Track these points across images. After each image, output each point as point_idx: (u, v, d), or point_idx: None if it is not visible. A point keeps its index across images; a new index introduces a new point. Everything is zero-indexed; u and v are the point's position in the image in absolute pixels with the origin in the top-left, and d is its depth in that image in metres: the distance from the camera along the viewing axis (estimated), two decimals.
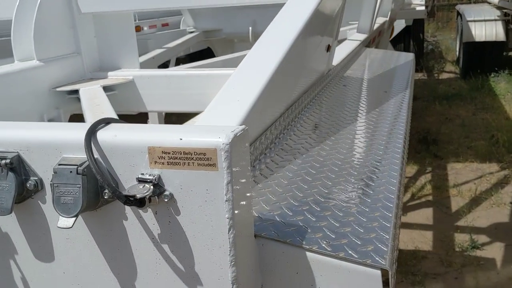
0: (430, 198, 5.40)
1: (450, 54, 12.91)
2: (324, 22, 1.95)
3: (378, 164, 1.40)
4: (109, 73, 2.53)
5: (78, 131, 0.92)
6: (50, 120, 2.33)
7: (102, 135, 0.91)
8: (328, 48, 2.08)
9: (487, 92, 8.74)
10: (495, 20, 9.18)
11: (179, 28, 6.66)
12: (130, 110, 2.56)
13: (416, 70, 11.35)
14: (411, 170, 6.14)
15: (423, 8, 8.89)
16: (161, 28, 9.04)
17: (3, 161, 0.93)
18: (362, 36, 3.59)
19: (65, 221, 0.89)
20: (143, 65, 4.04)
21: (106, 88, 2.39)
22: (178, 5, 2.49)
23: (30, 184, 0.95)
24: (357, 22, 3.90)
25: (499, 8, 9.64)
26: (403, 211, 5.08)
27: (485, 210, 4.88)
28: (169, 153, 0.86)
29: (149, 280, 0.96)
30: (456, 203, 5.16)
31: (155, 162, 0.87)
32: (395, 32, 9.72)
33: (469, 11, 9.54)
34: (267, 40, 1.57)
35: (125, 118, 2.56)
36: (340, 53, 2.72)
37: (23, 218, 1.00)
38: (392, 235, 1.04)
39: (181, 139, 0.84)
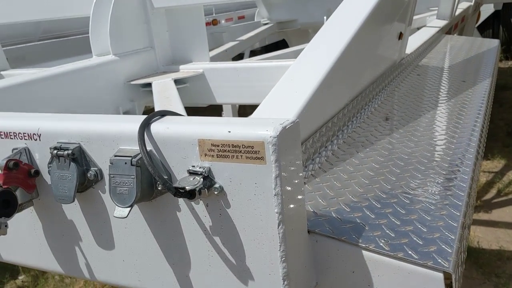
0: None
1: None
2: (394, 8, 1.85)
3: (448, 159, 1.31)
4: (181, 66, 2.59)
5: (134, 124, 0.94)
6: (125, 112, 2.44)
7: (156, 127, 0.92)
8: (400, 36, 1.97)
9: None
10: None
11: (254, 20, 6.70)
12: (201, 103, 2.60)
13: (507, 58, 10.58)
14: (498, 164, 5.76)
15: None
16: (237, 21, 9.17)
17: (66, 152, 0.97)
18: (442, 23, 3.39)
19: (121, 211, 0.91)
20: (216, 58, 4.11)
21: (177, 81, 2.45)
22: None
23: (90, 174, 0.99)
24: (437, 8, 3.69)
25: None
26: (487, 209, 4.78)
27: None
28: (218, 145, 0.85)
29: (202, 271, 0.97)
30: None
31: (205, 154, 0.87)
32: (482, 18, 9.11)
33: None
34: (329, 28, 1.51)
35: (197, 110, 2.62)
36: (416, 40, 2.59)
37: (85, 206, 1.04)
38: (458, 235, 0.96)
39: (229, 131, 0.83)
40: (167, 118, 0.96)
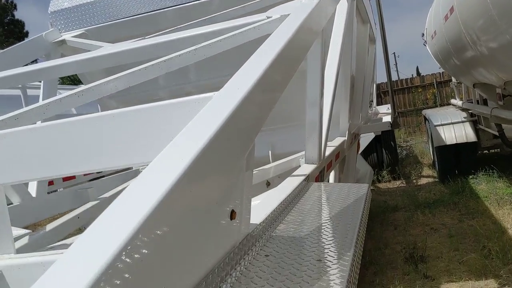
0: None
1: (425, 158, 12.72)
2: (218, 188, 1.47)
3: None
4: None
5: None
6: None
7: None
8: (233, 215, 1.58)
9: (469, 195, 8.30)
10: (463, 122, 9.09)
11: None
12: None
13: (394, 178, 11.02)
14: None
15: (388, 118, 8.75)
16: None
17: None
18: (309, 168, 3.14)
19: None
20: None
21: None
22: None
23: None
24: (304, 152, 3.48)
25: (464, 110, 9.62)
26: None
27: None
28: None
29: None
30: None
31: None
32: (365, 144, 9.53)
33: (435, 116, 9.48)
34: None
35: None
36: (272, 202, 2.21)
37: None
38: None
39: None
40: None
